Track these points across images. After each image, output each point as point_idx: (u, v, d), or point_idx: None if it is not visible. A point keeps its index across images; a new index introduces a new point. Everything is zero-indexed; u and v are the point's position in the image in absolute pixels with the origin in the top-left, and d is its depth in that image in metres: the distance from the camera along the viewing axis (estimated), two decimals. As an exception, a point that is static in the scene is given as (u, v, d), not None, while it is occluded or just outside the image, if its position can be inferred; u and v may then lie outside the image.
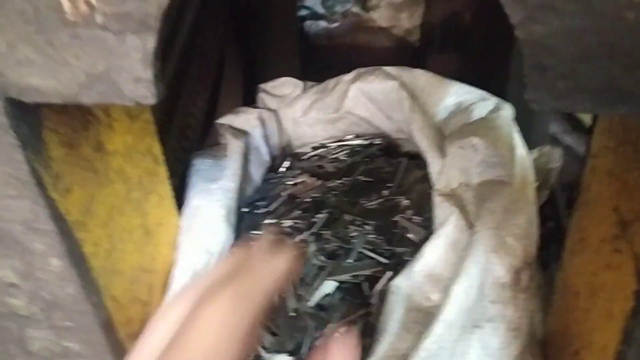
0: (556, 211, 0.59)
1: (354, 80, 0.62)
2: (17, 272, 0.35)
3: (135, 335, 0.43)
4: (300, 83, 0.71)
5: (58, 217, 0.32)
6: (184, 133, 0.66)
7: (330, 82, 0.67)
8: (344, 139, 0.70)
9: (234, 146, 0.59)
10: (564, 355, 0.41)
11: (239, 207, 0.54)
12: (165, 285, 0.47)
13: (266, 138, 0.67)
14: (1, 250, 0.34)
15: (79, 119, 0.35)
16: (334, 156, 0.68)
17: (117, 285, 0.39)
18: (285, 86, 0.72)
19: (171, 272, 0.47)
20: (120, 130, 0.39)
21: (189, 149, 0.66)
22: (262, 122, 0.66)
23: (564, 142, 0.99)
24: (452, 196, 0.42)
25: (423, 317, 0.36)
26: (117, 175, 0.39)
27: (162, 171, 0.46)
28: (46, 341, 0.40)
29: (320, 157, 0.69)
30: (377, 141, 0.67)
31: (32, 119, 0.30)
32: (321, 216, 0.52)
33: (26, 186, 0.31)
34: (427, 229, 0.46)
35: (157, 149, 0.45)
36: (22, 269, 0.35)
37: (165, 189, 0.47)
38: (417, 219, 0.47)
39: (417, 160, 0.57)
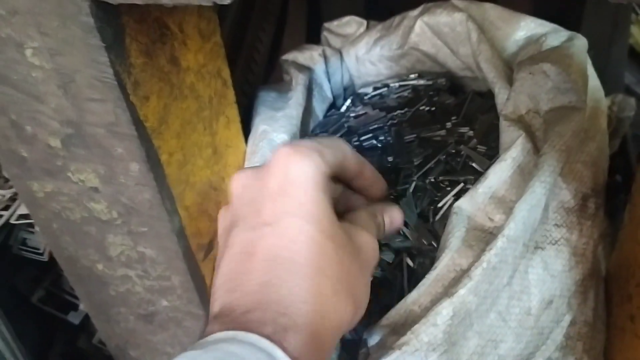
0: (627, 161, 0.57)
1: (420, 15, 0.61)
2: (100, 176, 0.37)
3: (204, 247, 0.46)
4: (364, 22, 0.71)
5: (138, 122, 0.34)
6: (249, 67, 0.67)
7: (396, 19, 0.66)
8: (407, 78, 0.69)
9: (298, 80, 0.60)
10: (628, 286, 0.40)
11: (301, 137, 0.55)
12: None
13: (329, 75, 0.68)
14: (86, 154, 0.36)
15: (156, 31, 0.36)
16: (397, 95, 0.68)
17: (188, 196, 0.41)
18: (349, 25, 0.71)
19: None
20: (193, 48, 0.41)
21: (253, 82, 0.68)
22: (326, 59, 0.67)
23: (638, 93, 0.94)
24: (520, 122, 0.41)
25: (485, 237, 0.37)
26: (189, 91, 0.41)
27: (231, 95, 0.48)
28: (124, 246, 0.42)
29: (383, 95, 0.69)
30: (442, 80, 0.66)
31: (115, 23, 0.31)
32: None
33: (109, 89, 0.32)
34: (492, 159, 0.45)
35: (226, 72, 0.47)
36: (103, 173, 0.37)
37: (233, 113, 0.48)
38: (482, 148, 0.47)
39: (483, 98, 0.56)
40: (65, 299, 0.58)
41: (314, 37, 0.74)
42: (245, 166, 0.50)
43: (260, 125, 0.52)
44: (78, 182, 0.38)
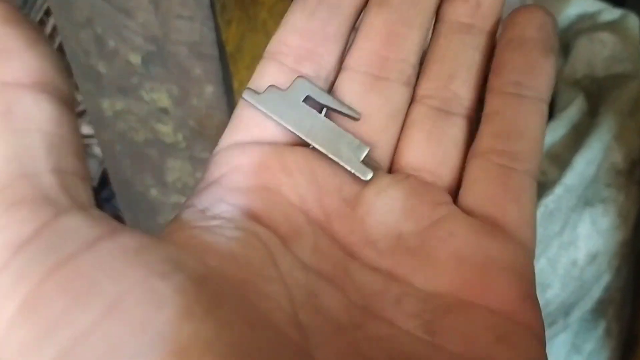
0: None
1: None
2: (172, 97, 0.39)
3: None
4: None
5: (220, 44, 0.35)
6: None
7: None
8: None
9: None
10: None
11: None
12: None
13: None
14: (163, 74, 0.38)
15: (241, -40, 0.37)
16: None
17: (250, 128, 0.43)
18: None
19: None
20: (268, -16, 0.42)
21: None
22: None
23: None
24: (576, 85, 0.43)
25: (538, 189, 0.38)
26: (261, 26, 0.42)
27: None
28: (182, 172, 0.44)
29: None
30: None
31: (213, -58, 0.32)
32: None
33: (200, 8, 0.34)
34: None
35: (289, 16, 0.48)
36: (177, 94, 0.38)
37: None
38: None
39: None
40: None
41: None
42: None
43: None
44: (149, 102, 0.40)
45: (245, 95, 0.21)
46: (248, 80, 0.41)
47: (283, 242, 0.19)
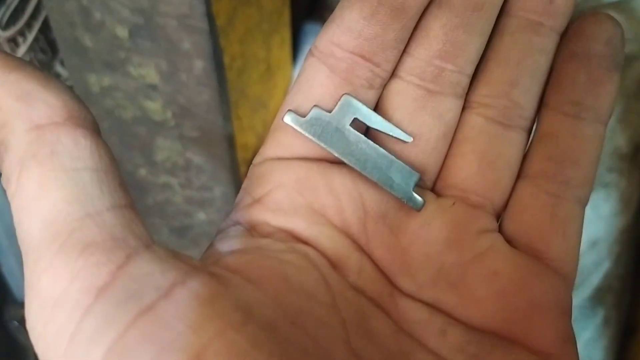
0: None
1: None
2: (161, 72, 0.37)
3: (248, 162, 0.46)
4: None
5: (210, 17, 0.34)
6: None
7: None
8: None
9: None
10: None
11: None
12: (276, 126, 0.49)
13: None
14: (151, 47, 0.36)
15: None
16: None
17: (242, 106, 0.41)
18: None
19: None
20: (262, -43, 0.40)
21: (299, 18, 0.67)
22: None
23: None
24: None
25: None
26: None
27: (287, 15, 0.47)
28: (171, 151, 0.43)
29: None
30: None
31: None
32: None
33: (189, -23, 0.32)
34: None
35: (285, -9, 0.46)
36: (165, 69, 0.37)
37: (287, 34, 0.48)
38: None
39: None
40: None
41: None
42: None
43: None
44: (137, 78, 0.38)
45: (287, 119, 0.19)
46: (239, 55, 0.40)
47: (331, 265, 0.18)
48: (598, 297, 0.41)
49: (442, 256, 0.19)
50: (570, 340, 0.18)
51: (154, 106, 0.40)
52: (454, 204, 0.20)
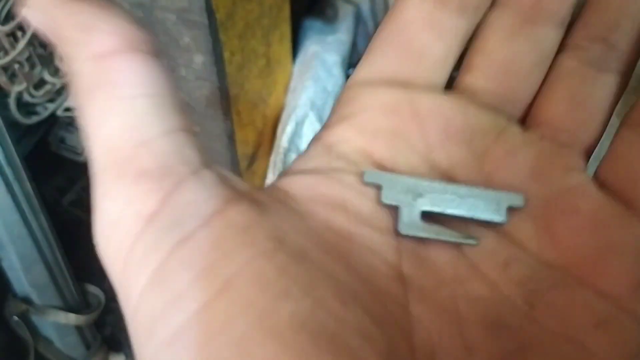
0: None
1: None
2: (160, 67, 0.37)
3: (248, 157, 0.46)
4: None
5: (210, 11, 0.34)
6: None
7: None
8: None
9: (346, 11, 0.59)
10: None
11: (350, 64, 0.55)
12: (275, 120, 0.49)
13: (374, 15, 0.67)
14: (150, 42, 0.36)
15: None
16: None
17: (242, 101, 0.41)
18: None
19: (285, 108, 0.48)
20: (261, -49, 0.40)
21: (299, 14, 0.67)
22: (372, -2, 0.66)
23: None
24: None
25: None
26: (254, -5, 0.40)
27: (287, 10, 0.47)
28: (171, 146, 0.43)
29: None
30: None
31: None
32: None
33: (187, -28, 0.32)
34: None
35: (285, -14, 0.46)
36: (165, 63, 0.37)
37: (286, 29, 0.48)
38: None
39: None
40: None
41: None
42: (294, 82, 0.50)
43: (310, 46, 0.51)
44: (137, 72, 0.38)
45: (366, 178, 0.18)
46: (239, 50, 0.40)
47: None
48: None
49: (525, 186, 0.19)
50: None
51: (153, 101, 0.40)
52: (542, 139, 0.19)
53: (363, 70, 0.20)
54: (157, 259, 0.14)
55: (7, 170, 0.46)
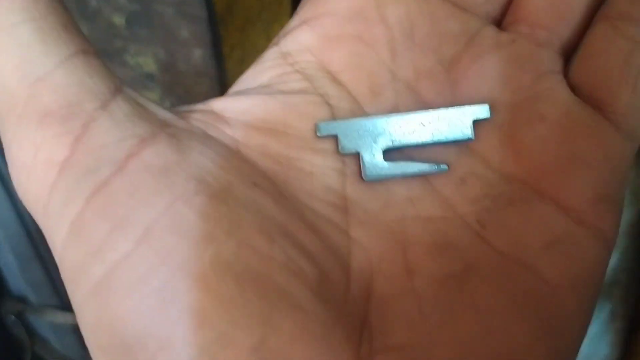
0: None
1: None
2: (159, 61, 0.36)
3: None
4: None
5: (209, 4, 0.33)
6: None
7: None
8: None
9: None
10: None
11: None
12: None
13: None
14: (148, 36, 0.35)
15: None
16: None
17: (242, 97, 0.41)
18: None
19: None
20: (262, -57, 0.39)
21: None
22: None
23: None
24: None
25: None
26: (254, -13, 0.39)
27: (287, 2, 0.46)
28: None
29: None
30: None
31: None
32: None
33: (186, -37, 0.31)
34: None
35: (285, -21, 0.45)
36: (163, 58, 0.36)
37: (287, 22, 0.47)
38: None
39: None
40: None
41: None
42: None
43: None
44: (135, 67, 0.37)
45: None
46: (239, 45, 0.39)
47: (356, 104, 0.17)
48: (605, 291, 0.41)
49: (494, 93, 0.17)
50: (607, 198, 0.16)
51: (151, 96, 0.39)
52: (514, 41, 0.18)
53: None
54: (74, 210, 0.14)
55: (3, 167, 0.45)
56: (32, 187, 0.14)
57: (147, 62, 0.37)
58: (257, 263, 0.14)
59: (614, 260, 0.39)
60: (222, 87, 0.37)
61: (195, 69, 0.36)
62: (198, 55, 0.35)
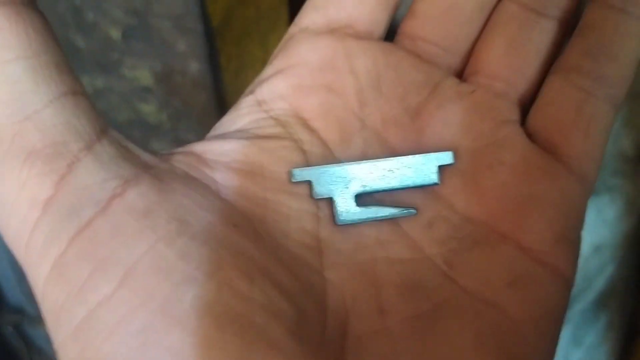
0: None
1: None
2: (155, 74, 0.36)
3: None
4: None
5: (206, 18, 0.33)
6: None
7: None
8: None
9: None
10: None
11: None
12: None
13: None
14: (145, 49, 0.35)
15: None
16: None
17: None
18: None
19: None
20: (258, -45, 0.39)
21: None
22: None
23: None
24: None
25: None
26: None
27: (284, 13, 0.46)
28: (167, 154, 0.42)
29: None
30: None
31: None
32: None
33: (182, -22, 0.31)
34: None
35: (282, -11, 0.45)
36: (160, 71, 0.36)
37: (284, 32, 0.47)
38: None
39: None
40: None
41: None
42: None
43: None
44: (131, 80, 0.37)
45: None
46: (236, 56, 0.39)
47: (327, 150, 0.18)
48: (602, 301, 0.41)
49: (456, 140, 0.18)
50: (566, 238, 0.17)
51: (148, 109, 0.39)
52: (473, 91, 0.19)
53: (307, 13, 0.20)
54: (56, 250, 0.14)
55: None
56: (14, 223, 0.14)
57: (144, 75, 0.37)
58: (237, 304, 0.14)
59: (610, 270, 0.39)
60: (219, 98, 0.37)
61: (192, 81, 0.36)
62: (195, 67, 0.35)
